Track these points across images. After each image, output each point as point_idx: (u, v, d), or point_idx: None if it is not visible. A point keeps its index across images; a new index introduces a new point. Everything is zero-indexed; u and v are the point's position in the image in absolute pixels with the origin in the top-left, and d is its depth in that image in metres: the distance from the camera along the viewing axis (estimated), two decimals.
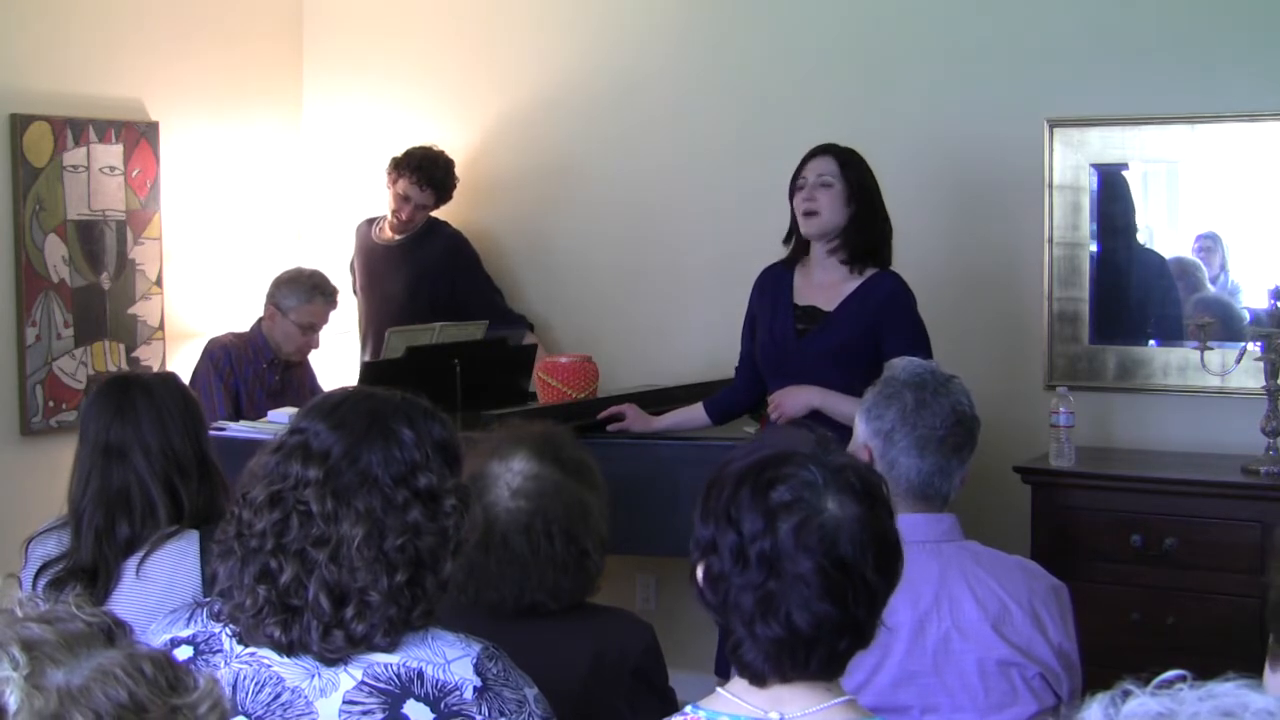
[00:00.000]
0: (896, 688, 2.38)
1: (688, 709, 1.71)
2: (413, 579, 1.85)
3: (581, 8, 5.18)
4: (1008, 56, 4.55)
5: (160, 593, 2.66)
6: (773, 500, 1.65)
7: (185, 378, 3.74)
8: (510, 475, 2.31)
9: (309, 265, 4.97)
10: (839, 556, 1.63)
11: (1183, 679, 1.20)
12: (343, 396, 1.97)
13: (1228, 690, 1.18)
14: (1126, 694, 1.20)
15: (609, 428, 4.06)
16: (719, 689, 1.72)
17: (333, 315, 4.88)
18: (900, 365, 2.59)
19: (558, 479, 2.33)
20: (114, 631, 1.35)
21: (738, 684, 1.70)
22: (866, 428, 2.53)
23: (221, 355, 4.69)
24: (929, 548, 2.44)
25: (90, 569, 2.72)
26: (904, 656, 2.38)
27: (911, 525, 2.43)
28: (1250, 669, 1.32)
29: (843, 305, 3.77)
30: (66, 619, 1.33)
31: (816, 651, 1.64)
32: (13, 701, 1.23)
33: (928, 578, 2.40)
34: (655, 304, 5.09)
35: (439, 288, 5.06)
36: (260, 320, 4.80)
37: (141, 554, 2.71)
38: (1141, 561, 3.98)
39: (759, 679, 1.67)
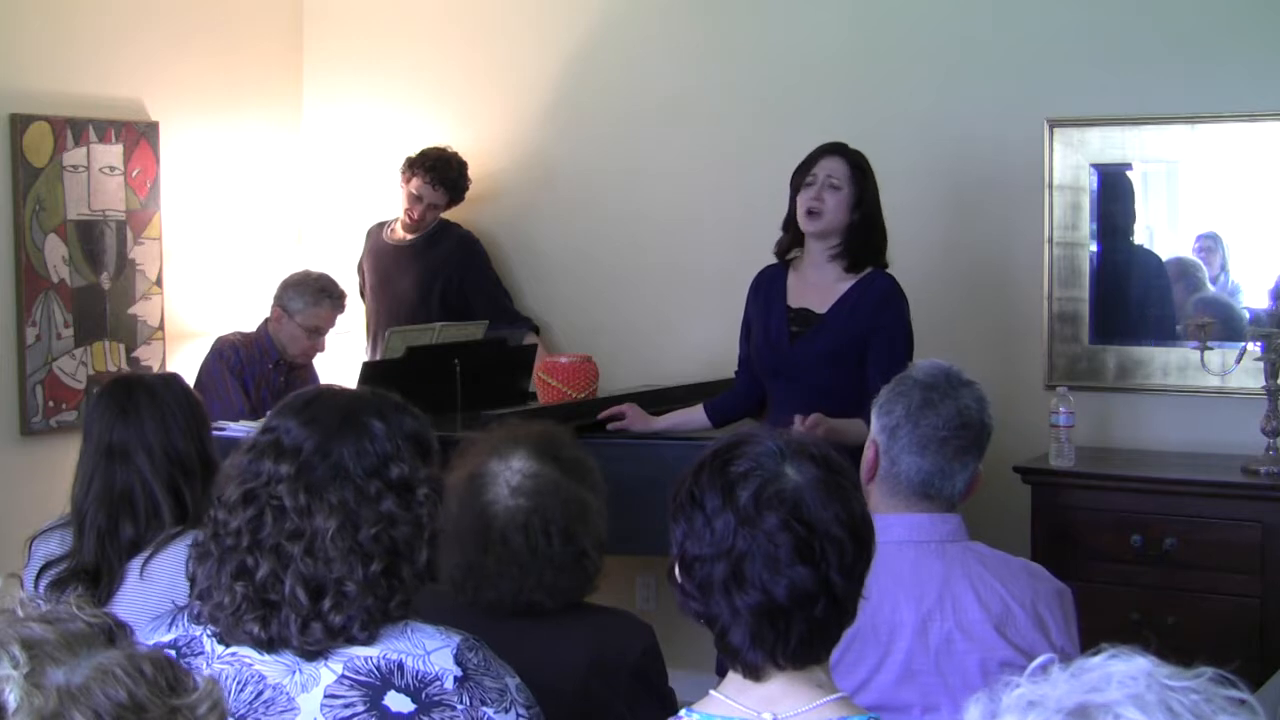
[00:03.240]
0: (898, 686, 2.38)
1: (682, 713, 1.71)
2: (389, 569, 1.87)
3: (581, 8, 5.18)
4: (1008, 56, 4.55)
5: (163, 593, 2.65)
6: (731, 473, 1.68)
7: (187, 377, 3.74)
8: (509, 474, 2.31)
9: (315, 268, 4.97)
10: (802, 513, 1.65)
11: (1051, 662, 1.22)
12: (313, 394, 1.99)
13: (1096, 664, 1.19)
14: (1005, 687, 1.21)
15: (609, 427, 4.06)
16: (711, 691, 1.72)
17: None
18: (921, 365, 2.58)
19: (557, 478, 2.32)
20: (115, 632, 1.35)
21: (730, 685, 1.71)
22: (876, 423, 2.54)
23: (231, 354, 4.71)
24: (933, 547, 2.44)
25: (93, 570, 2.72)
26: (906, 655, 2.37)
27: (916, 525, 2.44)
28: (1251, 669, 1.32)
29: (835, 307, 3.77)
30: (67, 619, 1.33)
31: (796, 620, 1.65)
32: (12, 700, 1.23)
33: (931, 577, 2.40)
34: (655, 304, 5.09)
35: (449, 288, 5.08)
36: (267, 321, 4.81)
37: (146, 555, 2.71)
38: (1141, 561, 3.98)
39: (751, 669, 1.67)
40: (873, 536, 1.72)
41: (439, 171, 5.05)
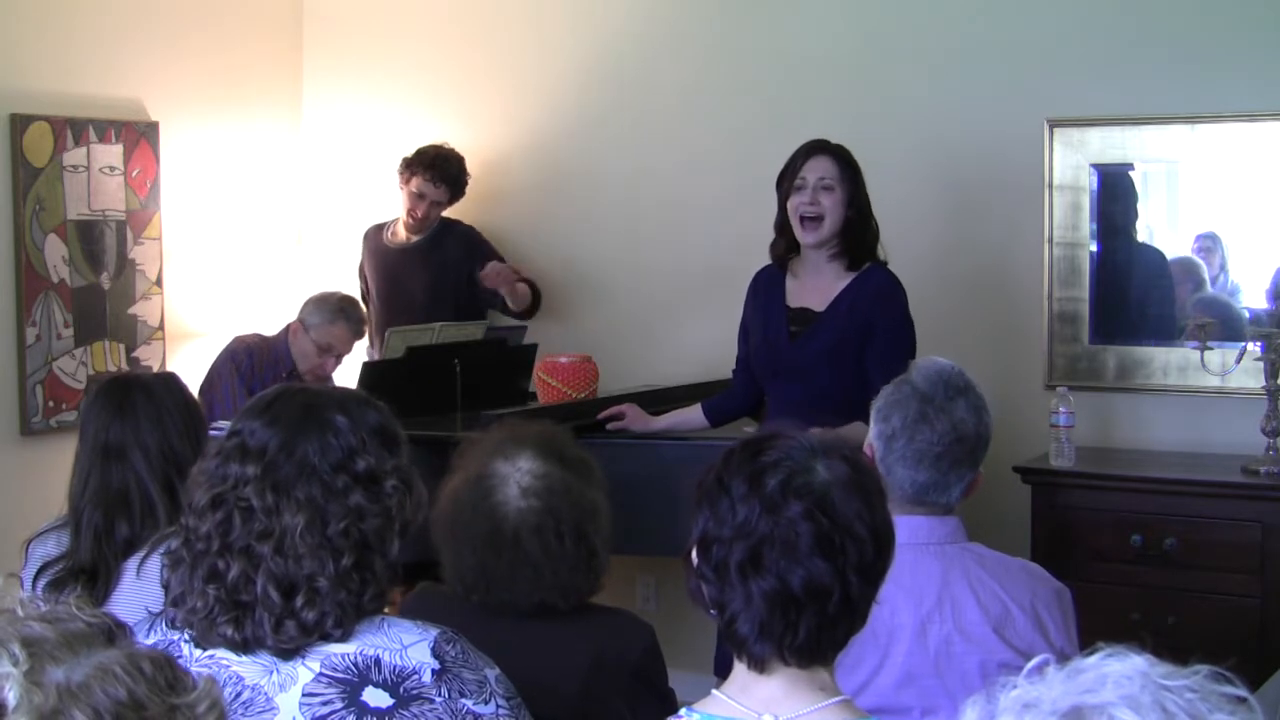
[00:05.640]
0: (898, 689, 2.38)
1: (683, 712, 1.71)
2: (360, 562, 1.88)
3: (582, 8, 5.18)
4: (1008, 56, 4.55)
5: (160, 592, 2.65)
6: (761, 462, 1.69)
7: (186, 377, 3.74)
8: (519, 475, 2.30)
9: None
10: (827, 507, 1.65)
11: (1047, 663, 1.21)
12: (275, 394, 1.99)
13: (1091, 665, 1.19)
14: (1002, 688, 1.21)
15: (608, 427, 4.06)
16: (714, 690, 1.72)
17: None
18: (921, 366, 2.55)
19: (566, 478, 2.33)
20: (114, 632, 1.36)
21: (732, 685, 1.71)
22: (873, 428, 2.53)
23: (244, 355, 4.70)
24: (932, 549, 2.44)
25: (90, 569, 2.72)
26: (906, 657, 2.37)
27: (915, 527, 2.44)
28: (1251, 669, 1.31)
29: (833, 305, 3.76)
30: (67, 619, 1.34)
31: (807, 613, 1.64)
32: (12, 698, 1.24)
33: (930, 579, 2.40)
34: (655, 304, 5.09)
35: (460, 286, 5.07)
36: (288, 328, 4.80)
37: (142, 554, 2.70)
38: (1141, 561, 3.98)
39: (756, 661, 1.67)
40: (893, 544, 1.71)
41: (439, 168, 5.05)
